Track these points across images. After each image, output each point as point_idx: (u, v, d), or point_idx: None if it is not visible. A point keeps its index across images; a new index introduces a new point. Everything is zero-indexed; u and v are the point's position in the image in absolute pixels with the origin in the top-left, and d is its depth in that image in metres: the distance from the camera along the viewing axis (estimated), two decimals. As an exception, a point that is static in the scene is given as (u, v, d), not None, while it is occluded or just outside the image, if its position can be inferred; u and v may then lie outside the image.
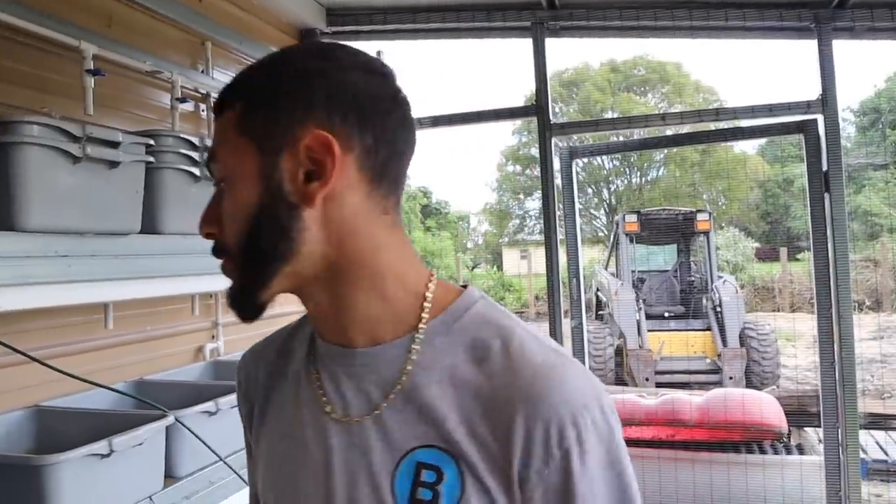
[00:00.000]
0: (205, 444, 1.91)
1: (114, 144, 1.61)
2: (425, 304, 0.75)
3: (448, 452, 0.69)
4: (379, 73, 0.74)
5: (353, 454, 0.73)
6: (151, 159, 1.77)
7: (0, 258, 1.41)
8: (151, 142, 1.77)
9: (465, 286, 0.79)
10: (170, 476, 1.87)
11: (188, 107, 2.83)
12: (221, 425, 2.01)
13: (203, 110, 2.94)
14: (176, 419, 1.83)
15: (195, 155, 1.94)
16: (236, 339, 3.11)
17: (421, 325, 0.74)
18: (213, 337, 2.99)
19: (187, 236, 1.94)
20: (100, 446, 1.58)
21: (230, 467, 1.97)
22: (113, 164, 1.61)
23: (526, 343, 0.72)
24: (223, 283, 2.06)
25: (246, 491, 2.07)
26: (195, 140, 1.95)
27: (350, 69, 0.73)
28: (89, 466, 1.57)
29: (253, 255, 0.73)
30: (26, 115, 1.45)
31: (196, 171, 1.94)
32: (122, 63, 2.24)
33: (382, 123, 0.73)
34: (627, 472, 0.70)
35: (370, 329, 0.75)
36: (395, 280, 0.74)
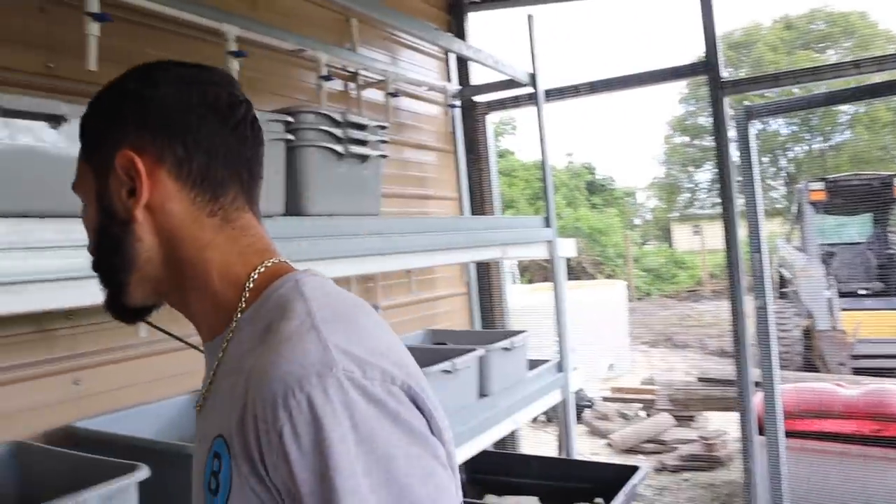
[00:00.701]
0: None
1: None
2: (244, 295, 0.76)
3: (225, 441, 0.68)
4: (195, 84, 0.78)
5: (197, 444, 0.77)
6: (291, 137, 1.69)
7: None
8: (289, 118, 1.70)
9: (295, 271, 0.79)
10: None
11: (336, 85, 2.79)
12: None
13: (352, 88, 2.88)
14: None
15: (338, 131, 1.84)
16: (395, 322, 3.06)
17: (236, 316, 0.75)
18: (370, 322, 2.95)
19: (334, 217, 1.85)
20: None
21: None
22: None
23: (292, 316, 0.69)
24: (372, 265, 1.95)
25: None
26: (337, 116, 1.85)
27: (162, 85, 0.77)
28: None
29: (101, 268, 0.81)
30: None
31: (339, 148, 1.85)
32: (266, 44, 2.20)
33: (195, 133, 0.77)
34: (380, 456, 0.63)
35: (208, 325, 0.78)
36: (220, 276, 0.77)
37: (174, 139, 0.76)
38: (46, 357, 1.80)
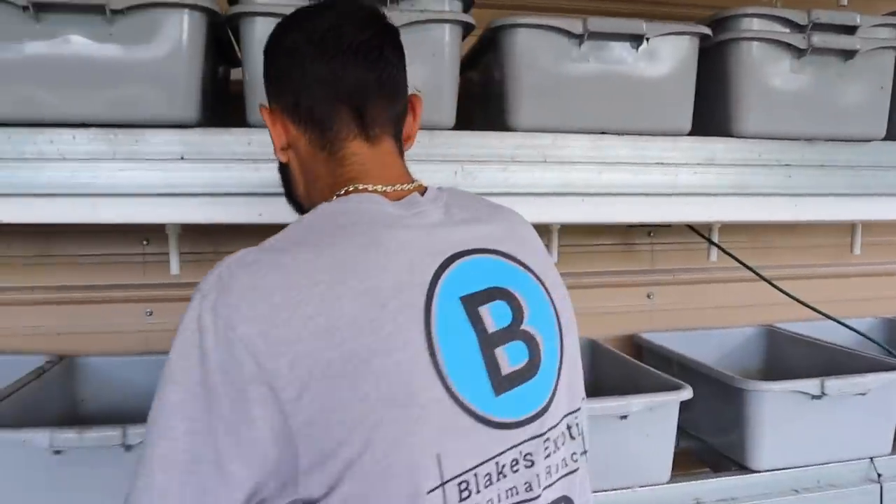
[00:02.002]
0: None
1: (849, 30, 1.32)
2: None
3: None
4: (298, 26, 0.86)
5: None
6: (903, 45, 1.40)
7: (717, 166, 1.34)
8: (903, 22, 1.41)
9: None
10: (903, 440, 1.55)
11: None
12: None
13: None
14: (915, 374, 1.49)
15: (974, 37, 1.45)
16: None
17: None
18: None
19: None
20: (810, 385, 1.40)
21: None
22: (848, 55, 1.33)
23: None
24: None
25: None
26: (975, 16, 1.46)
27: (280, 36, 0.87)
28: (798, 404, 1.41)
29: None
30: (744, 7, 1.31)
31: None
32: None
33: (296, 75, 0.84)
34: (165, 379, 0.69)
35: None
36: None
37: (285, 87, 0.86)
38: (627, 269, 1.96)
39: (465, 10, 1.20)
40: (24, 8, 1.05)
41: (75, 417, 1.53)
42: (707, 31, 1.27)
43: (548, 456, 0.78)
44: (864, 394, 1.44)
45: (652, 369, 1.46)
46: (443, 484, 0.70)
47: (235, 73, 1.46)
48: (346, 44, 0.83)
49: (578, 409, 0.84)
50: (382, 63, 0.85)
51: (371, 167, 0.84)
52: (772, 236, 2.03)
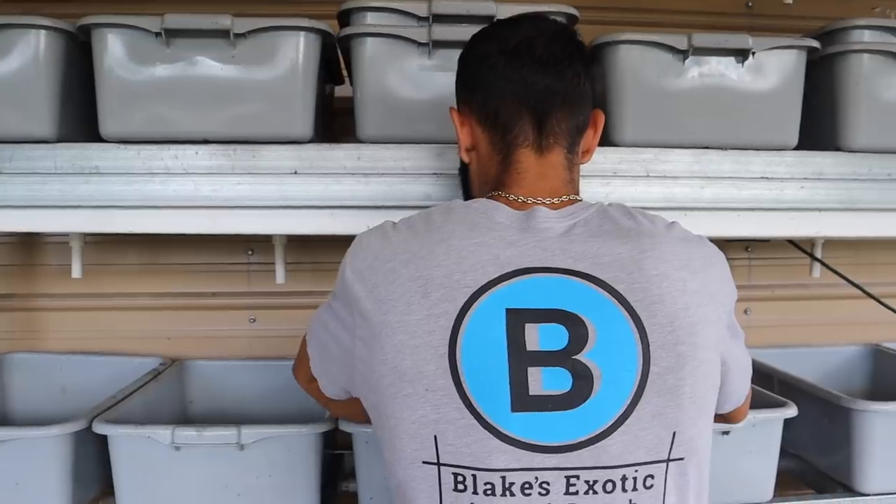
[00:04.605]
0: None
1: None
2: None
3: None
4: (495, 36, 0.92)
5: None
6: None
7: (825, 180, 1.31)
8: None
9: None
10: None
11: None
12: None
13: None
14: None
15: None
16: None
17: None
18: None
19: None
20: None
21: None
22: None
23: None
24: None
25: None
26: None
27: (478, 44, 0.94)
28: (907, 423, 1.36)
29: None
30: (855, 18, 1.28)
31: None
32: None
33: (488, 79, 0.90)
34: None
35: None
36: None
37: (476, 90, 0.91)
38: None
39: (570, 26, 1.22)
40: (157, 34, 1.13)
41: (186, 417, 1.62)
42: (815, 43, 1.25)
43: (572, 493, 0.76)
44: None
45: (753, 385, 1.43)
46: (439, 464, 0.76)
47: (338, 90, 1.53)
48: (537, 54, 0.88)
49: (665, 461, 0.78)
50: (569, 74, 0.89)
51: (527, 177, 0.90)
52: (876, 252, 1.96)
